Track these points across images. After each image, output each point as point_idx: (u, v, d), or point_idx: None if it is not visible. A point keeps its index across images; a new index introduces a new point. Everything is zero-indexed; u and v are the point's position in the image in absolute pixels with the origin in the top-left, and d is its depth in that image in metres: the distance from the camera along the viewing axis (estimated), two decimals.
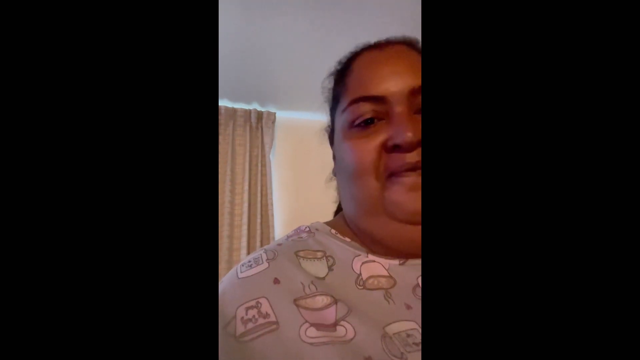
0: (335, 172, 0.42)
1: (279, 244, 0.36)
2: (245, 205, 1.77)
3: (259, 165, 1.87)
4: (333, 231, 0.37)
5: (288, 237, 0.38)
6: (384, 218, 0.32)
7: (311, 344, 0.27)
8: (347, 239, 0.36)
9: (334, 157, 0.41)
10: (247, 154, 1.86)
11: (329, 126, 0.43)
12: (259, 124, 1.94)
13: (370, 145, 0.32)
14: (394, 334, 0.28)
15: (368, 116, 0.33)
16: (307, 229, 0.39)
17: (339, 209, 0.45)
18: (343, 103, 0.36)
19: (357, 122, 0.34)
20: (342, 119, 0.36)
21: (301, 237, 0.37)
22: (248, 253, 1.70)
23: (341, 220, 0.39)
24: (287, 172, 2.01)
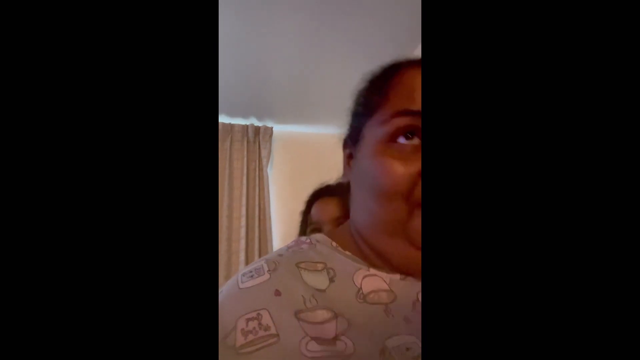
0: (347, 179, 0.40)
1: (280, 255, 0.36)
2: (243, 219, 1.76)
3: (257, 179, 1.88)
4: (334, 244, 0.37)
5: (288, 247, 0.38)
6: (403, 242, 0.32)
7: (311, 357, 0.27)
8: (348, 253, 0.36)
9: (348, 163, 0.40)
10: (245, 169, 1.86)
11: (351, 129, 0.41)
12: (256, 138, 1.96)
13: (409, 169, 0.31)
14: (393, 347, 0.28)
15: (410, 129, 0.32)
16: (308, 240, 0.38)
17: None
18: (383, 114, 0.34)
19: (397, 137, 0.32)
20: (379, 131, 0.34)
21: (301, 248, 0.37)
22: None
23: (344, 233, 0.39)
24: (285, 185, 2.02)
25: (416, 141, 0.32)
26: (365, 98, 0.39)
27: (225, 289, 0.33)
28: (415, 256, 0.31)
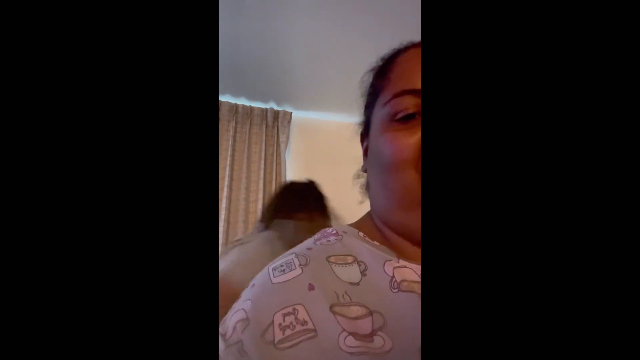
0: (365, 169, 0.41)
1: (309, 248, 0.36)
2: (260, 203, 1.79)
3: (274, 163, 1.90)
4: (361, 234, 0.37)
5: (315, 240, 0.38)
6: (420, 212, 0.32)
7: (350, 353, 0.27)
8: (376, 243, 0.35)
9: (365, 154, 0.41)
10: (263, 152, 1.88)
11: (363, 122, 0.42)
12: (275, 123, 1.96)
13: (412, 138, 0.32)
14: None
15: (411, 110, 0.33)
16: (334, 231, 0.38)
17: None
18: (385, 96, 0.36)
19: (398, 115, 0.33)
20: (382, 112, 0.36)
21: (329, 241, 0.37)
22: None
23: (368, 222, 0.39)
24: (301, 171, 2.03)
25: (417, 120, 0.33)
26: (370, 87, 0.41)
27: (257, 283, 0.33)
28: None
